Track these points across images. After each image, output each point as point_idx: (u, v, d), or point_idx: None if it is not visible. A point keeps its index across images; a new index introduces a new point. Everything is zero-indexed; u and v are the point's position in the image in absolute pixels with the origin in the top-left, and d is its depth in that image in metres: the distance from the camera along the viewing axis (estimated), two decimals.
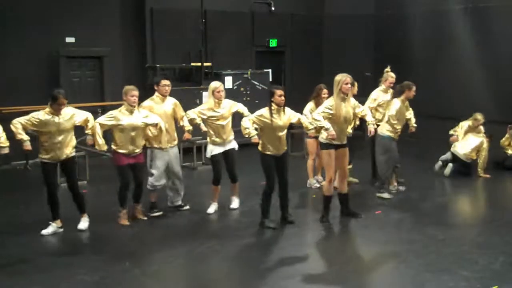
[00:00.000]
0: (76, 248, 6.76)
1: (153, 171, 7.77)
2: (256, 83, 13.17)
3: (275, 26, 14.96)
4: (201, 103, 11.73)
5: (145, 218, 7.71)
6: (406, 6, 14.81)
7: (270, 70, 14.43)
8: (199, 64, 13.01)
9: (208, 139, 7.85)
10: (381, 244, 6.84)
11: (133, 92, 7.23)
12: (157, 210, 7.87)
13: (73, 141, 7.11)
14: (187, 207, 8.15)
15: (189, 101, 12.00)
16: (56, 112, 6.83)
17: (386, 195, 8.61)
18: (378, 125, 8.30)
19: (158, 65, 12.80)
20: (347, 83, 7.12)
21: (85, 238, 7.10)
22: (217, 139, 7.75)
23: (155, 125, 7.45)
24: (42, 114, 6.84)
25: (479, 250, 6.42)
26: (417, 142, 9.71)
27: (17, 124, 6.82)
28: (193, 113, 7.77)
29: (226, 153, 7.85)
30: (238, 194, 8.21)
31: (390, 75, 9.21)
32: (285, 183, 7.34)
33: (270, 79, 14.01)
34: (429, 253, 6.47)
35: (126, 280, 5.73)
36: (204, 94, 12.49)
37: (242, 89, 13.20)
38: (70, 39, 12.28)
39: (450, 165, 9.91)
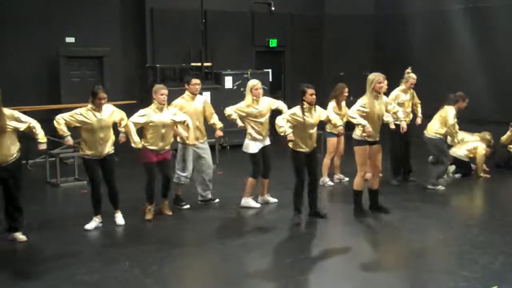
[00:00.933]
0: (76, 248, 6.75)
1: (181, 165, 8.09)
2: None
3: (275, 26, 14.96)
4: None
5: (171, 213, 7.93)
6: (406, 6, 14.80)
7: (270, 70, 14.44)
8: (199, 64, 13.01)
9: (246, 135, 8.07)
10: (381, 244, 6.84)
11: (162, 91, 7.52)
12: (184, 203, 8.22)
13: (113, 138, 7.31)
14: (217, 200, 8.46)
15: None
16: (97, 108, 7.10)
17: (440, 187, 9.15)
18: (396, 124, 8.40)
19: (158, 65, 12.80)
20: (380, 82, 7.43)
21: (86, 238, 7.10)
22: (257, 136, 8.00)
23: (183, 122, 7.70)
24: (84, 111, 7.11)
25: (479, 250, 6.42)
26: (416, 141, 9.75)
27: (60, 120, 7.06)
28: (230, 109, 8.00)
29: (263, 149, 8.10)
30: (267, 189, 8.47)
31: (411, 76, 9.37)
32: (315, 179, 7.63)
33: (270, 79, 14.02)
34: (429, 253, 6.47)
35: (126, 280, 5.73)
36: (204, 94, 12.50)
37: (242, 89, 13.18)
38: (70, 39, 12.28)
39: (453, 166, 9.93)
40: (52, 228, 7.43)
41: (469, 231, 7.35)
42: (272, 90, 14.11)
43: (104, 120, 7.14)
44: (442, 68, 13.68)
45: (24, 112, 11.18)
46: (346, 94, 9.28)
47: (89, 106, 7.13)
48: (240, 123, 7.97)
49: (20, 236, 6.87)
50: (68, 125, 7.08)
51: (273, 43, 15.04)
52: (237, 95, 12.65)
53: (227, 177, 9.74)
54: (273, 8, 14.77)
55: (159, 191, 7.86)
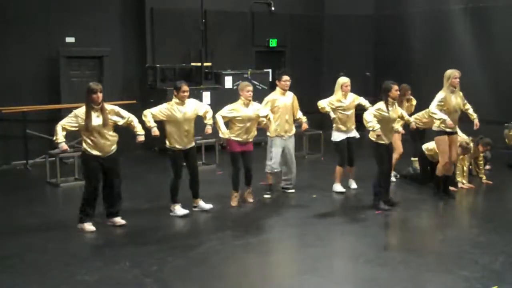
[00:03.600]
0: (76, 248, 6.75)
1: (271, 156, 8.73)
2: (256, 83, 13.14)
3: (275, 26, 14.95)
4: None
5: (252, 200, 8.49)
6: (406, 6, 14.81)
7: (270, 70, 14.44)
8: (199, 64, 13.00)
9: (334, 126, 8.95)
10: (381, 244, 6.84)
11: (248, 88, 8.22)
12: (270, 193, 8.83)
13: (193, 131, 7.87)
14: (293, 190, 9.00)
15: None
16: (181, 101, 7.67)
17: None
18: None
19: (158, 65, 12.79)
20: (455, 78, 8.17)
21: (85, 238, 7.10)
22: (342, 127, 8.87)
23: (265, 116, 8.35)
24: (170, 105, 7.70)
25: (479, 250, 6.42)
26: (416, 142, 9.79)
27: (147, 114, 7.65)
28: (323, 102, 8.89)
29: (348, 140, 8.93)
30: (354, 177, 9.29)
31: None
32: (390, 169, 8.39)
33: (270, 79, 14.01)
34: (429, 253, 6.47)
35: (126, 280, 5.73)
36: (204, 94, 12.52)
37: None
38: (70, 39, 12.27)
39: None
40: (52, 228, 7.43)
41: (469, 231, 7.35)
42: (272, 90, 14.08)
43: (187, 114, 7.69)
44: (442, 68, 13.60)
45: (24, 112, 11.32)
46: (409, 96, 9.62)
47: (173, 101, 7.68)
48: (332, 115, 8.81)
49: (119, 220, 7.44)
50: (154, 119, 7.60)
51: (273, 43, 15.03)
52: (237, 95, 12.66)
53: (227, 176, 9.73)
54: (273, 8, 14.76)
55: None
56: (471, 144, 9.32)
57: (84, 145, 7.18)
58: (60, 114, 12.01)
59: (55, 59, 12.05)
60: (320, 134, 12.19)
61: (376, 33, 15.75)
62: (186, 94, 7.68)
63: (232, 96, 10.70)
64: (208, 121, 7.87)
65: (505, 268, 5.93)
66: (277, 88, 8.84)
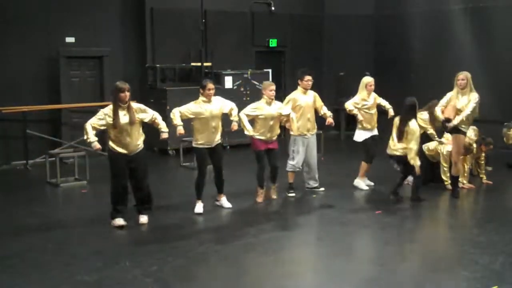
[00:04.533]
0: (76, 248, 6.76)
1: (293, 155, 8.85)
2: (256, 83, 13.15)
3: (275, 26, 14.96)
4: None
5: (276, 197, 8.67)
6: (406, 6, 14.80)
7: (270, 70, 14.44)
8: (199, 64, 13.00)
9: (358, 126, 9.19)
10: (381, 244, 6.84)
11: (271, 87, 8.40)
12: (293, 191, 8.91)
13: (221, 128, 8.00)
14: (323, 189, 9.12)
15: (189, 101, 11.95)
16: (207, 99, 7.81)
17: None
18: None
19: (158, 65, 12.80)
20: (458, 79, 8.58)
21: (86, 238, 7.10)
22: (367, 125, 9.13)
23: (287, 115, 8.50)
24: (197, 103, 7.85)
25: (479, 250, 6.42)
26: None
27: (176, 112, 7.79)
28: (350, 104, 9.14)
29: (373, 138, 9.23)
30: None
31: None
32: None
33: (270, 79, 14.00)
34: (429, 253, 6.47)
35: (126, 280, 5.72)
36: None
37: (242, 89, 13.20)
38: (70, 39, 12.27)
39: None
40: (52, 228, 7.43)
41: (469, 231, 7.35)
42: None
43: (213, 111, 7.83)
44: (442, 68, 13.67)
45: (24, 112, 11.31)
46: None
47: (200, 99, 7.83)
48: (360, 117, 9.06)
49: (141, 218, 7.55)
50: (181, 117, 7.75)
51: (273, 43, 15.04)
52: (237, 95, 12.67)
53: (227, 176, 9.73)
54: (273, 8, 14.77)
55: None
56: (474, 145, 9.31)
57: (110, 143, 7.25)
58: (60, 114, 12.06)
59: (55, 59, 12.06)
60: (320, 134, 12.19)
61: (376, 33, 15.74)
62: (212, 91, 7.82)
63: (232, 96, 10.71)
64: (234, 118, 8.02)
65: (505, 268, 5.92)
66: (299, 87, 8.93)
